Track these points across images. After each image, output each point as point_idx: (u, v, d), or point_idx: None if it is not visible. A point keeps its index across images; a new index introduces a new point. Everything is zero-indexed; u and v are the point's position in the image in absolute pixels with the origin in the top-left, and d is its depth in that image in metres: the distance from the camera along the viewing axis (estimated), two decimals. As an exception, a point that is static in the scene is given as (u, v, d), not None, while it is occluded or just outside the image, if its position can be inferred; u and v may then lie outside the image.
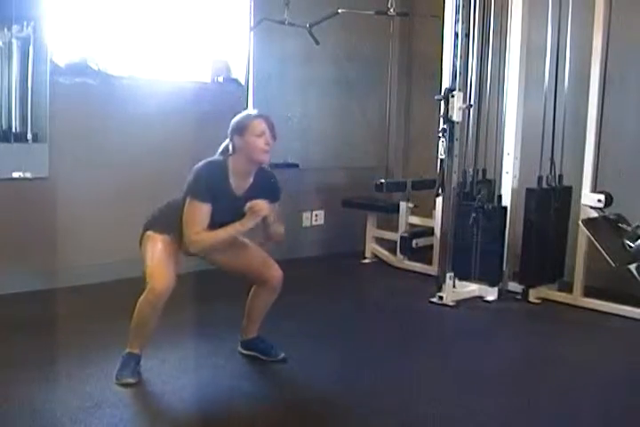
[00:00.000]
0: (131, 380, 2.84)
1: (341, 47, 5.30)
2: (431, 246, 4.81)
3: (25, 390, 2.75)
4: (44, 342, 3.26)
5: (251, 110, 3.17)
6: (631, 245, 3.81)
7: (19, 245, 4.01)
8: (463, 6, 4.06)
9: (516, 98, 4.18)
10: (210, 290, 4.16)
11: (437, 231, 4.42)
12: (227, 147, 2.93)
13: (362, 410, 2.71)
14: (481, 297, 4.25)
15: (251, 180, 2.94)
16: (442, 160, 4.05)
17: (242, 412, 2.68)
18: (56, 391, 2.77)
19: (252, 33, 4.83)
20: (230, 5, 4.84)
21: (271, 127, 2.87)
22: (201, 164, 2.89)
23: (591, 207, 4.03)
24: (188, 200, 2.83)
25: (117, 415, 2.57)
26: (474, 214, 4.16)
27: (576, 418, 2.69)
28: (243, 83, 4.89)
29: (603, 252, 3.81)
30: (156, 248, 2.89)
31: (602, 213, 4.02)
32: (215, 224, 2.84)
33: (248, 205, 2.80)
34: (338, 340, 3.38)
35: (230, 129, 2.90)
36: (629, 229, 3.90)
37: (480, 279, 4.26)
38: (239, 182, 2.91)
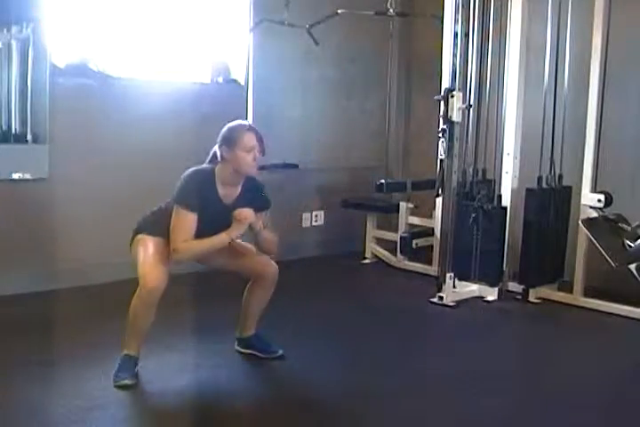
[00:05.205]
0: (128, 382, 2.80)
1: (341, 47, 5.30)
2: (431, 247, 4.80)
3: (25, 390, 2.76)
4: (44, 343, 3.26)
5: (242, 121, 3.09)
6: (631, 245, 3.80)
7: (18, 246, 4.00)
8: (463, 6, 4.07)
9: (515, 98, 4.18)
10: (208, 290, 4.16)
11: (437, 231, 4.42)
12: (215, 154, 2.93)
13: (361, 410, 2.72)
14: (481, 297, 4.25)
15: (239, 189, 2.94)
16: (442, 160, 4.06)
17: (242, 411, 2.68)
18: (56, 391, 2.77)
19: (251, 33, 4.83)
20: (230, 6, 4.84)
21: (260, 142, 2.87)
22: (189, 171, 2.89)
23: (591, 207, 4.02)
24: (175, 208, 2.83)
25: (117, 416, 2.57)
26: (474, 214, 4.17)
27: (576, 418, 2.68)
28: (242, 83, 4.89)
29: (603, 252, 3.81)
30: (148, 248, 2.88)
31: (602, 213, 4.02)
32: (204, 233, 2.83)
33: (234, 213, 2.81)
34: (338, 340, 3.38)
35: (220, 139, 2.90)
36: (629, 229, 3.90)
37: (480, 279, 4.26)
38: (227, 191, 2.91)
